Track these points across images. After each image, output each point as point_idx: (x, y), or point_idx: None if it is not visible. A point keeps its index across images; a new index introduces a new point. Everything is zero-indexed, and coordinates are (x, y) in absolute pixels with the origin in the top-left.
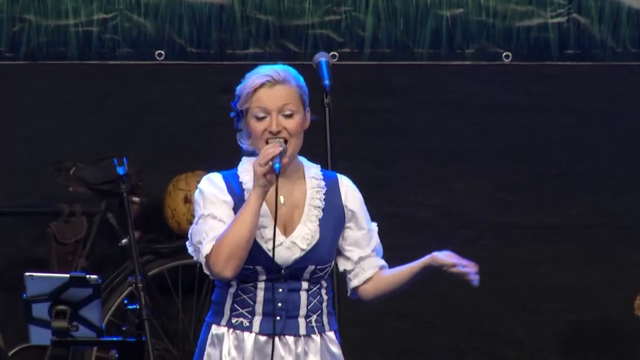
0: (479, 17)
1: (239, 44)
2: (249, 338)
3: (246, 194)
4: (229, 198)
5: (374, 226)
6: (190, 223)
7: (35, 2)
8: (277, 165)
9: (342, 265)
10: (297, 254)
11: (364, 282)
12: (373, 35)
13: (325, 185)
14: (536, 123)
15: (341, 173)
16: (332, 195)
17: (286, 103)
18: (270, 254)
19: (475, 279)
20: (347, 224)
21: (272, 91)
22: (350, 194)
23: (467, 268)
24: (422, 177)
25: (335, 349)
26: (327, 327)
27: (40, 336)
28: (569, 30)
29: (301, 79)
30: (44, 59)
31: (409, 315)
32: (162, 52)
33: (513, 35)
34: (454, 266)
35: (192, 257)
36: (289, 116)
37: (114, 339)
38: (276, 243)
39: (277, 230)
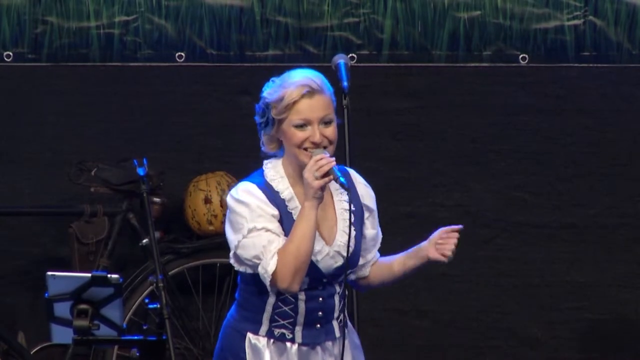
0: (496, 19)
1: (258, 46)
2: (292, 349)
3: (288, 204)
4: (276, 211)
5: (379, 229)
6: (210, 223)
7: (57, 4)
8: (342, 180)
9: None
10: (339, 262)
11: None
12: (391, 37)
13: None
14: (553, 124)
15: (360, 173)
16: (353, 194)
17: (327, 113)
18: (318, 265)
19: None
20: (365, 222)
21: (312, 101)
22: (366, 192)
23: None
24: (440, 178)
25: (356, 339)
26: (347, 318)
27: (62, 335)
28: (585, 33)
29: (329, 84)
30: (65, 61)
31: (428, 313)
32: (182, 54)
33: (530, 38)
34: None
35: (211, 257)
36: (328, 124)
37: (135, 337)
38: (322, 253)
39: (322, 240)
